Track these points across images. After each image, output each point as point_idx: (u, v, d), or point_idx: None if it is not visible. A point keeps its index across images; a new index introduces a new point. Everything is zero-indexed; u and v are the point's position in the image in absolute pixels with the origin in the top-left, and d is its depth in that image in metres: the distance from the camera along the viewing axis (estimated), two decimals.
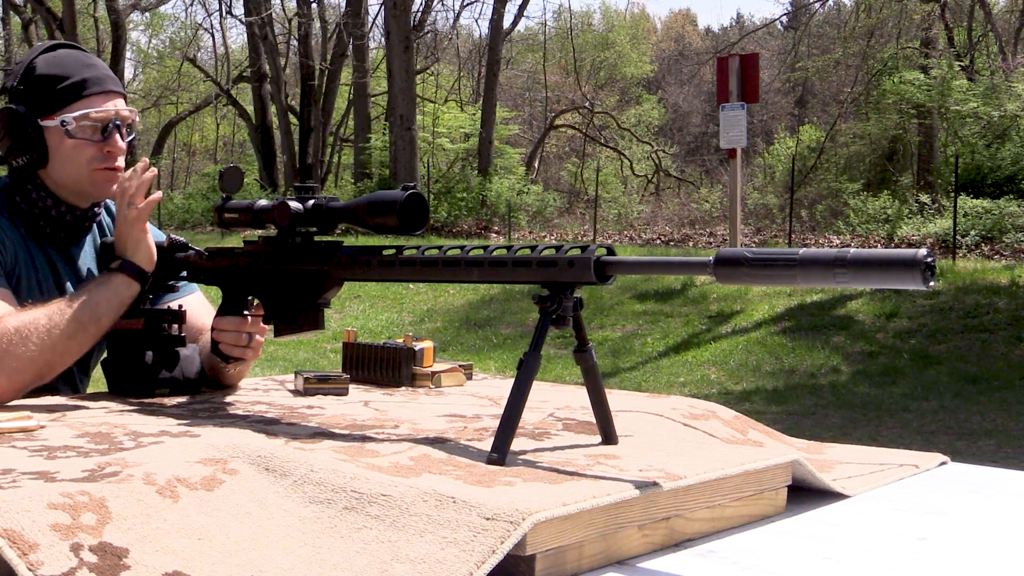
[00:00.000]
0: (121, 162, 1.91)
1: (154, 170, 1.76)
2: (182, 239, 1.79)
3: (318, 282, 1.57)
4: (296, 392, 1.84)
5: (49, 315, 1.67)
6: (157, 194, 1.77)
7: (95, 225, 1.98)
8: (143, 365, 1.74)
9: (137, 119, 1.96)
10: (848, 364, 9.22)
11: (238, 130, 32.29)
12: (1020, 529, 1.35)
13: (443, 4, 43.01)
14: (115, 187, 1.88)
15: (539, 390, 1.81)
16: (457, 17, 36.88)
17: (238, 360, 1.79)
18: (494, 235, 18.35)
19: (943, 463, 1.68)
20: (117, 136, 1.87)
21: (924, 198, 16.09)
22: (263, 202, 1.64)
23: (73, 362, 1.74)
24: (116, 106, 1.87)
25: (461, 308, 12.35)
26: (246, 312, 1.75)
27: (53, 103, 1.84)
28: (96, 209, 1.95)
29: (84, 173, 1.86)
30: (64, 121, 1.83)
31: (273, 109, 23.72)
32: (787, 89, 29.92)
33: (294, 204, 1.56)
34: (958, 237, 13.24)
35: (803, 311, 10.60)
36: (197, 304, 1.98)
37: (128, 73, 30.20)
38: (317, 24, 24.88)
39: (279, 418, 1.55)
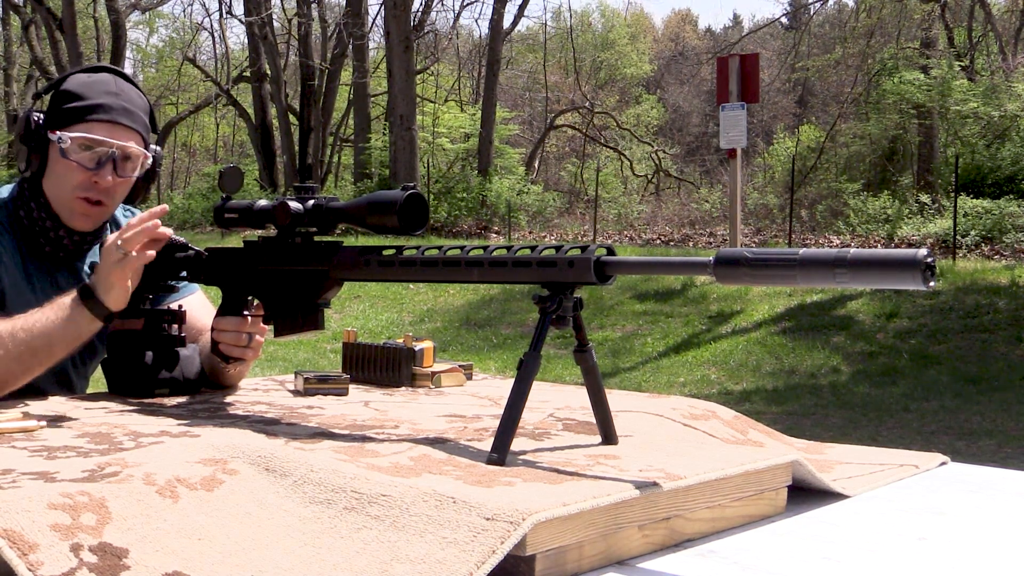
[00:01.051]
0: (108, 199, 1.86)
1: (167, 231, 1.67)
2: (182, 239, 1.78)
3: (318, 282, 1.57)
4: (296, 392, 1.84)
5: (11, 331, 1.63)
6: (150, 253, 1.66)
7: (99, 244, 1.95)
8: (143, 365, 1.73)
9: (150, 161, 1.90)
10: (848, 364, 9.22)
11: (238, 130, 32.28)
12: (1020, 529, 1.35)
13: (443, 4, 43.05)
14: (87, 222, 1.85)
15: (539, 390, 1.81)
16: (457, 17, 36.85)
17: (238, 360, 1.79)
18: (494, 235, 18.35)
19: (943, 463, 1.68)
20: (109, 170, 1.82)
21: (924, 198, 16.09)
22: (263, 202, 1.64)
23: (16, 386, 1.67)
24: (120, 140, 1.83)
25: (461, 308, 12.35)
26: (246, 312, 1.74)
27: (60, 119, 1.83)
28: (96, 234, 1.93)
29: (67, 196, 1.84)
30: (61, 138, 1.81)
31: (273, 109, 23.71)
32: (787, 89, 29.91)
33: (294, 204, 1.56)
34: (958, 237, 13.23)
35: (803, 311, 10.60)
36: (197, 304, 1.98)
37: (128, 73, 30.13)
38: (317, 24, 24.87)
39: (279, 418, 1.55)
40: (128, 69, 30.07)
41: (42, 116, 1.84)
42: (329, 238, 1.58)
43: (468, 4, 36.27)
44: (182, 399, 1.73)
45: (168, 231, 1.68)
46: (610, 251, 1.28)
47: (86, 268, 1.94)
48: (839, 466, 1.58)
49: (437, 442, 1.37)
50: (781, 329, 10.21)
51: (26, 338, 1.63)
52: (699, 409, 1.68)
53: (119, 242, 1.63)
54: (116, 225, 2.00)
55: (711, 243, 16.43)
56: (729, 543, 1.24)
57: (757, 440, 1.60)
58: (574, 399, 1.76)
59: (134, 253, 1.63)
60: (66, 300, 1.67)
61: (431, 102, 25.16)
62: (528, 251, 1.32)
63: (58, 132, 1.82)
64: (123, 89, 1.88)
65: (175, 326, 1.79)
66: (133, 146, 1.85)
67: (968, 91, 17.15)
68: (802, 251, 1.12)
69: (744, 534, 1.28)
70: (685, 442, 1.48)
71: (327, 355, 10.14)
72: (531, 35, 32.22)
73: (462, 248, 1.39)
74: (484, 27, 34.54)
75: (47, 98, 1.89)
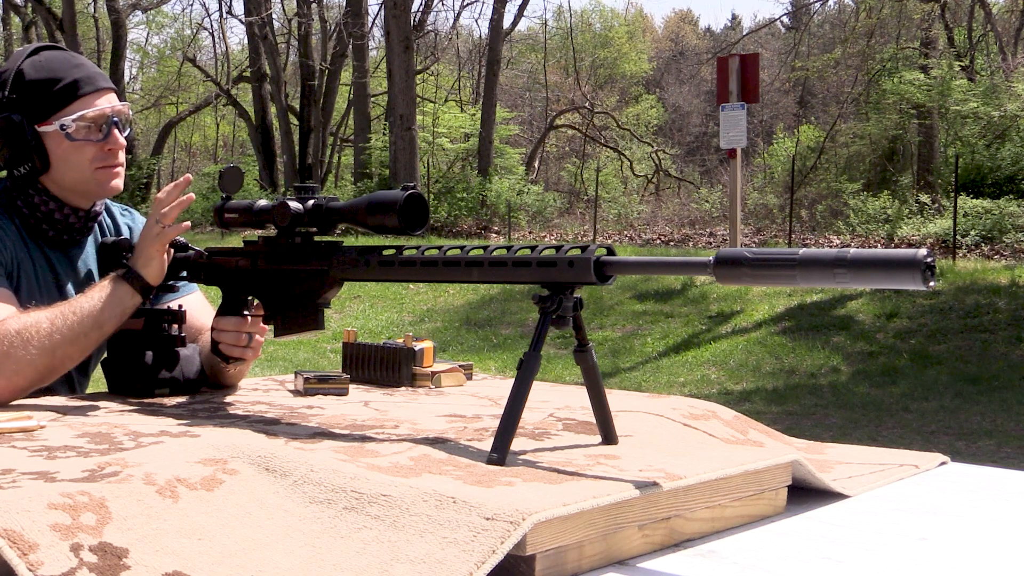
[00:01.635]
0: (122, 157, 1.91)
1: (192, 195, 1.76)
2: (182, 239, 1.79)
3: (318, 282, 1.57)
4: (296, 392, 1.84)
5: (51, 319, 1.67)
6: (186, 224, 1.73)
7: (95, 225, 1.99)
8: (143, 365, 1.74)
9: (131, 113, 1.96)
10: (848, 364, 9.22)
11: (238, 130, 32.27)
12: (1020, 529, 1.35)
13: (443, 4, 43.06)
14: (117, 182, 1.90)
15: (539, 390, 1.81)
16: (457, 17, 36.91)
17: (238, 360, 1.79)
18: (494, 235, 18.35)
19: (943, 463, 1.68)
20: (116, 133, 1.88)
21: (924, 198, 16.10)
22: (263, 202, 1.64)
23: (73, 366, 1.74)
24: (110, 102, 1.88)
25: (461, 308, 12.35)
26: (246, 312, 1.74)
27: (48, 108, 1.83)
28: (97, 208, 1.96)
29: (87, 173, 1.86)
30: (63, 125, 1.83)
31: (273, 109, 23.71)
32: (787, 89, 29.90)
33: (294, 204, 1.56)
34: (958, 237, 13.23)
35: (803, 311, 10.60)
36: (197, 304, 1.98)
37: (128, 73, 30.20)
38: (317, 24, 24.87)
39: (279, 418, 1.55)
40: (128, 69, 30.10)
41: (19, 116, 1.83)
42: (329, 238, 1.58)
43: (468, 4, 36.28)
44: (182, 399, 1.73)
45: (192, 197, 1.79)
46: (610, 251, 1.28)
47: (82, 257, 1.96)
48: (839, 466, 1.58)
49: (437, 442, 1.37)
50: (781, 329, 10.21)
51: (77, 320, 1.68)
52: (699, 409, 1.68)
53: (156, 218, 1.72)
54: (110, 214, 2.04)
55: (711, 243, 16.43)
56: (729, 543, 1.24)
57: (757, 440, 1.60)
58: (574, 399, 1.76)
59: (169, 224, 1.71)
60: (105, 282, 1.74)
61: (431, 102, 25.15)
62: (528, 251, 1.32)
63: (55, 121, 1.83)
64: (79, 57, 1.92)
65: (175, 326, 1.79)
66: (121, 103, 1.90)
67: (968, 91, 17.15)
68: (802, 251, 1.12)
69: (744, 534, 1.28)
70: (685, 442, 1.48)
71: (327, 355, 10.14)
72: (531, 35, 32.23)
73: (462, 248, 1.39)
74: (484, 27, 34.48)
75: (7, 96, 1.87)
